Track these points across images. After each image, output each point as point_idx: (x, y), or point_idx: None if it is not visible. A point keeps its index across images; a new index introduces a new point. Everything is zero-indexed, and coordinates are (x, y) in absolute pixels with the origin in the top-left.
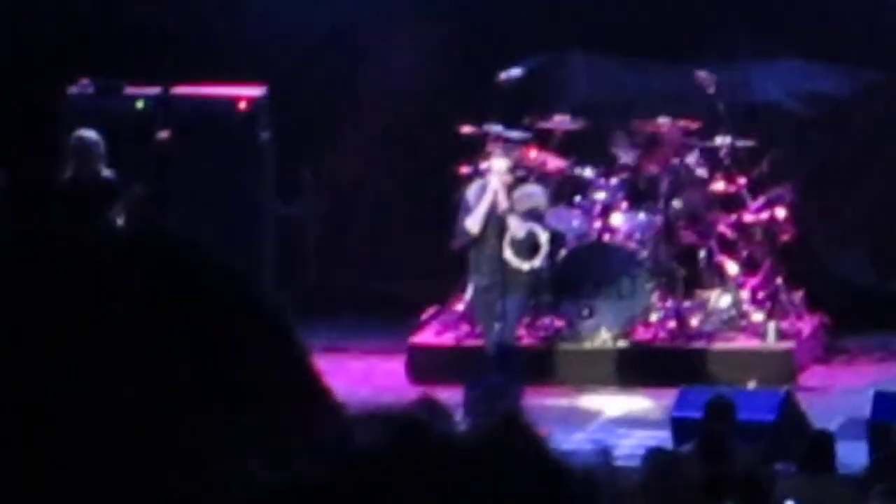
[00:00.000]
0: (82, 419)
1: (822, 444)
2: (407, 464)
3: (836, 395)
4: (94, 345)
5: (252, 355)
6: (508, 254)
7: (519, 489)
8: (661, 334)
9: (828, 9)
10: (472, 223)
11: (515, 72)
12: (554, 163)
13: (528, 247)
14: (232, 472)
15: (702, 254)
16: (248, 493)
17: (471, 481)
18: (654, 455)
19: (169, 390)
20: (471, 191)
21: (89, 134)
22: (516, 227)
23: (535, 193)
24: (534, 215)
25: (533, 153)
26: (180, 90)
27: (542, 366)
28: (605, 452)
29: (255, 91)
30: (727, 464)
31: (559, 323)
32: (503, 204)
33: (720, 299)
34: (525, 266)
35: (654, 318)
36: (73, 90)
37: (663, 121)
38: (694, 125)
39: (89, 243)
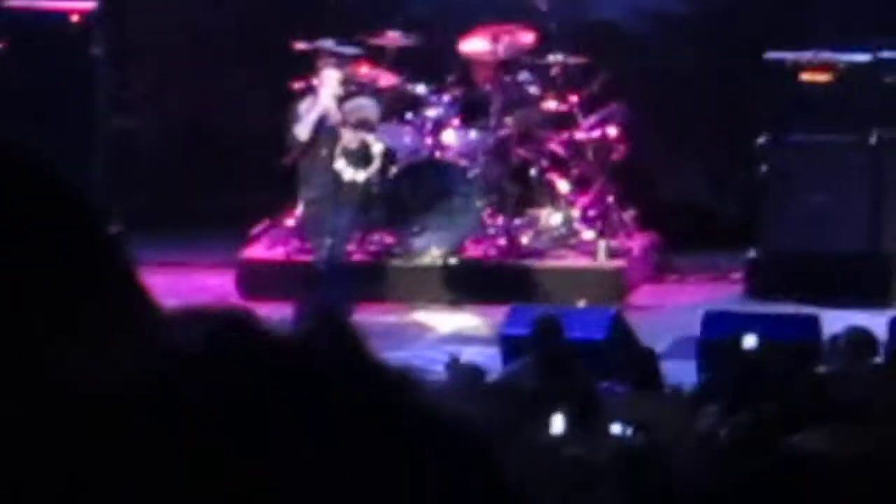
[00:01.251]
0: None
1: (647, 361)
2: (227, 357)
3: (667, 315)
4: None
5: (61, 244)
6: (341, 164)
7: (337, 385)
8: (492, 252)
9: None
10: (302, 130)
11: None
12: (386, 78)
13: (361, 157)
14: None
15: (533, 172)
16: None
17: (290, 376)
18: (455, 365)
19: None
20: (302, 104)
21: None
22: (349, 138)
23: (366, 105)
24: (366, 126)
25: (365, 69)
26: (12, 3)
27: (371, 282)
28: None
29: (88, 4)
30: (562, 378)
31: (389, 240)
32: (335, 116)
33: (551, 217)
34: (358, 177)
35: (484, 235)
36: None
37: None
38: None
39: None
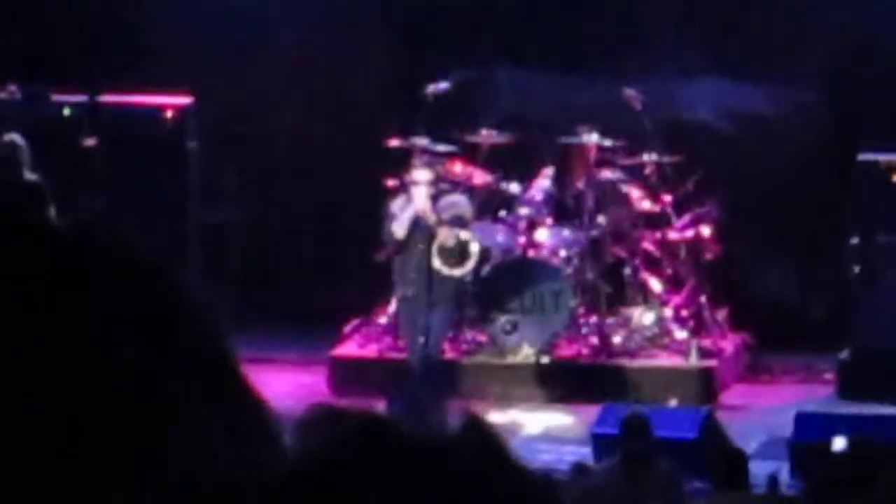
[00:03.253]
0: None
1: (735, 462)
2: (371, 462)
3: (758, 415)
4: (31, 342)
5: (181, 353)
6: (437, 262)
7: (485, 491)
8: (584, 351)
9: (753, 27)
10: (398, 227)
11: (443, 85)
12: (480, 177)
13: (457, 253)
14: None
15: (626, 270)
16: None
17: (437, 482)
18: (578, 470)
19: (106, 386)
20: (396, 202)
21: (14, 137)
22: (445, 235)
23: (459, 202)
24: (460, 223)
25: (458, 166)
26: (108, 98)
27: (464, 380)
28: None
29: (183, 100)
30: (647, 480)
31: (482, 337)
32: (430, 215)
33: (644, 316)
34: (455, 273)
35: (577, 334)
36: (0, 96)
37: (588, 136)
38: (620, 141)
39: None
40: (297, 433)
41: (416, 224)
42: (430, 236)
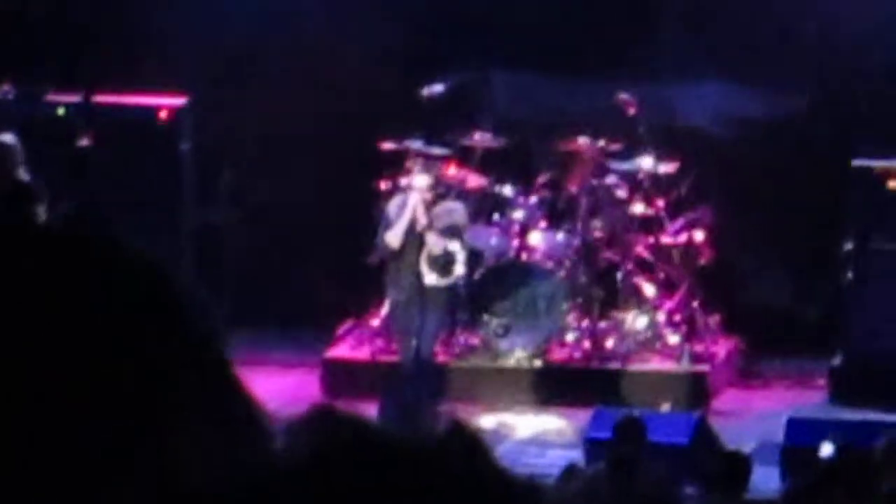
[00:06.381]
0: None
1: (737, 464)
2: (356, 464)
3: (750, 420)
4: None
5: (177, 359)
6: (424, 270)
7: (468, 495)
8: (576, 355)
9: (749, 31)
10: (393, 237)
11: (437, 87)
12: (474, 180)
13: (443, 264)
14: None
15: (619, 275)
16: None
17: (421, 485)
18: (569, 472)
19: (101, 393)
20: (391, 206)
21: (7, 138)
22: (433, 244)
23: (455, 210)
24: (453, 232)
25: (453, 170)
26: (102, 98)
27: (456, 383)
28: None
29: (177, 101)
30: (635, 484)
31: (474, 340)
32: (422, 220)
33: (636, 321)
34: (440, 283)
35: (569, 338)
36: None
37: (583, 140)
38: (614, 145)
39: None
40: (288, 434)
41: (411, 232)
42: (420, 244)
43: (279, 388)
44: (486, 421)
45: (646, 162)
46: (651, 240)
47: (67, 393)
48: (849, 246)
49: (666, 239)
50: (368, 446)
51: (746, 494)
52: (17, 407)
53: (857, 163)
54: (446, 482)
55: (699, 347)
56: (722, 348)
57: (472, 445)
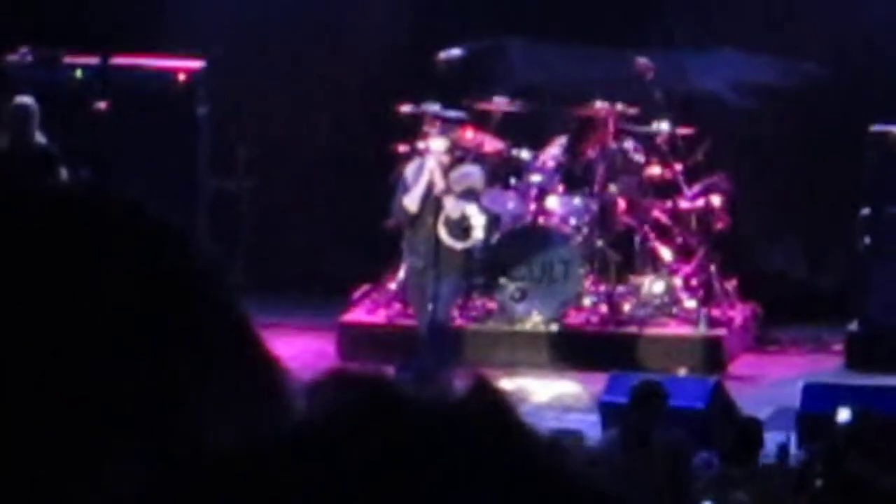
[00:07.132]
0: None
1: (751, 431)
2: (378, 424)
3: (766, 385)
4: (44, 310)
5: (198, 318)
6: (442, 233)
7: (493, 454)
8: (593, 319)
9: (768, 1)
10: (410, 202)
11: (455, 52)
12: (491, 144)
13: (461, 228)
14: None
15: (636, 239)
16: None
17: (444, 444)
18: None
19: (125, 354)
20: (409, 170)
21: (26, 100)
22: (451, 208)
23: (472, 174)
24: (470, 196)
25: (470, 134)
26: (119, 61)
27: (472, 348)
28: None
29: (194, 64)
30: (645, 453)
31: (491, 305)
32: (440, 184)
33: (653, 285)
34: (458, 246)
35: (586, 302)
36: (11, 58)
37: (601, 105)
38: (631, 111)
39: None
40: (308, 396)
41: (427, 196)
42: (438, 208)
43: (296, 353)
44: (503, 385)
45: (663, 126)
46: (668, 204)
47: (89, 358)
48: (865, 212)
49: (683, 204)
50: (389, 405)
51: (763, 460)
52: (37, 373)
53: (874, 128)
54: (471, 440)
55: (716, 312)
56: (738, 314)
57: (498, 403)
